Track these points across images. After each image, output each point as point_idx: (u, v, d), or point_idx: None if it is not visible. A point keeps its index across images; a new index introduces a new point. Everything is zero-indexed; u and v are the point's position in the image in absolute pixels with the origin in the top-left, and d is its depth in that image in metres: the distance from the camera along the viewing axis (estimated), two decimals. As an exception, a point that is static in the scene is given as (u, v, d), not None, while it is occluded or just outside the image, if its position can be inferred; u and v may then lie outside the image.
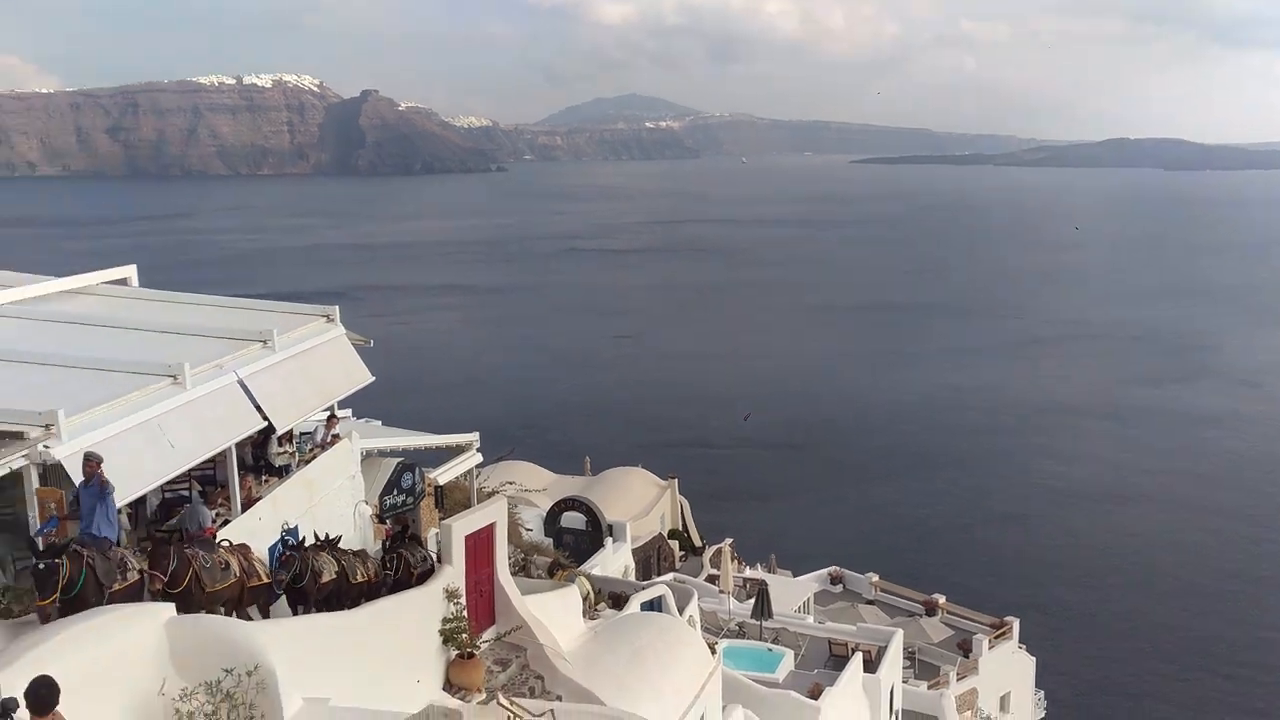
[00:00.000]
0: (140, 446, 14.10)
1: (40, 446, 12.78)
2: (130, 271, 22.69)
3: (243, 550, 14.24)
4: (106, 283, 22.04)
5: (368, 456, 22.10)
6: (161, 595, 12.40)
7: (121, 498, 14.08)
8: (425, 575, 16.77)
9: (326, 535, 16.12)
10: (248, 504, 17.13)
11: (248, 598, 13.89)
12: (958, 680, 37.58)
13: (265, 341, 18.21)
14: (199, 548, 13.37)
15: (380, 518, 21.51)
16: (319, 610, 14.66)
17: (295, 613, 14.48)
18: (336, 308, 21.48)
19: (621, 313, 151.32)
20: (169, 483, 16.08)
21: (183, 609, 11.91)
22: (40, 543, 11.79)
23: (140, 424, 14.33)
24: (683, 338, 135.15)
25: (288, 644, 11.12)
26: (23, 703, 8.03)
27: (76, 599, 11.24)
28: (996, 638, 41.19)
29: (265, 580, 14.33)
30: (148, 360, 16.04)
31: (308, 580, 14.67)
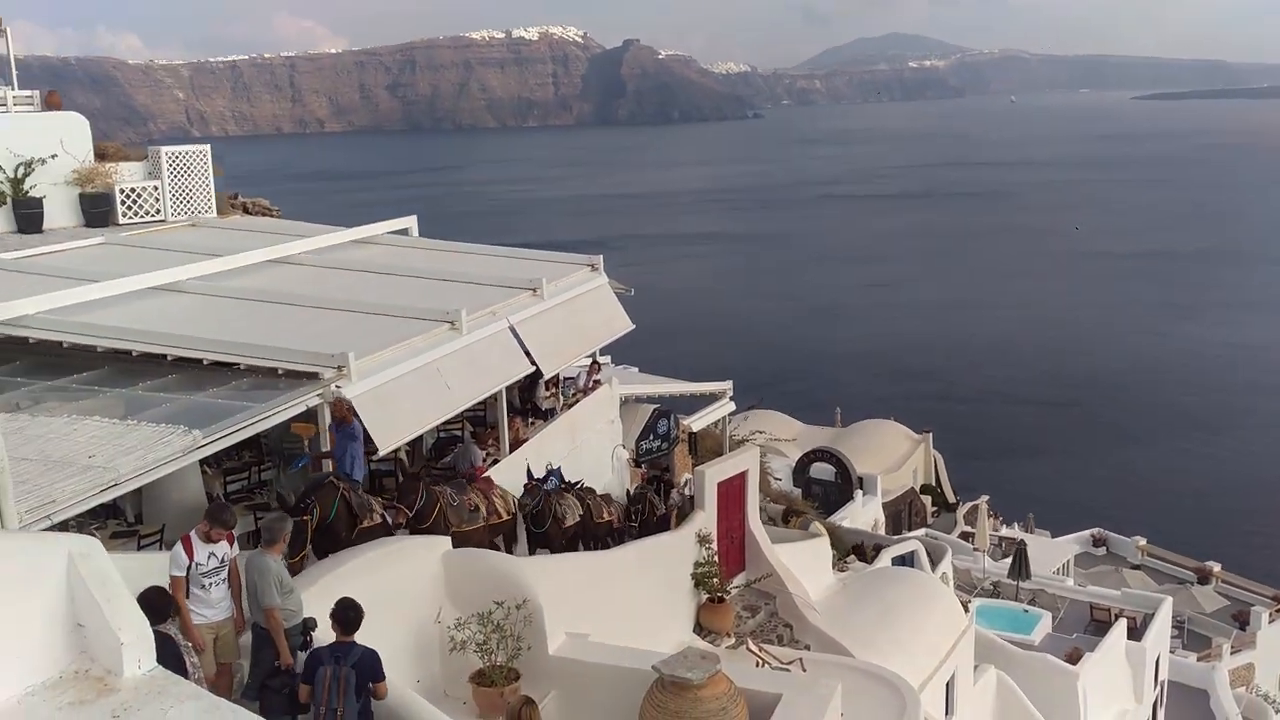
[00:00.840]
0: (421, 388, 15.08)
1: (333, 386, 13.83)
2: (411, 222, 24.14)
3: (485, 485, 14.65)
4: (390, 232, 23.55)
5: (626, 402, 22.77)
6: (411, 530, 12.91)
7: (401, 437, 15.22)
8: (666, 520, 17.26)
9: (572, 481, 16.75)
10: (515, 445, 18.04)
11: (488, 536, 14.22)
12: (1231, 654, 35.23)
13: (535, 290, 19.02)
14: (450, 487, 13.85)
15: (636, 462, 22.18)
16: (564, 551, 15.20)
17: (534, 552, 14.98)
18: (600, 257, 22.15)
19: (878, 260, 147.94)
20: (444, 423, 17.17)
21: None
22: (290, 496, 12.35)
23: (421, 367, 15.29)
24: (941, 286, 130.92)
25: (552, 580, 11.73)
26: (326, 622, 8.86)
27: (329, 530, 11.90)
28: (1278, 611, 38.35)
29: (507, 518, 14.78)
30: (428, 307, 17.09)
31: (550, 524, 14.98)
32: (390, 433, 14.44)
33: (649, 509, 17.34)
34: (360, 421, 13.31)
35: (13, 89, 22.10)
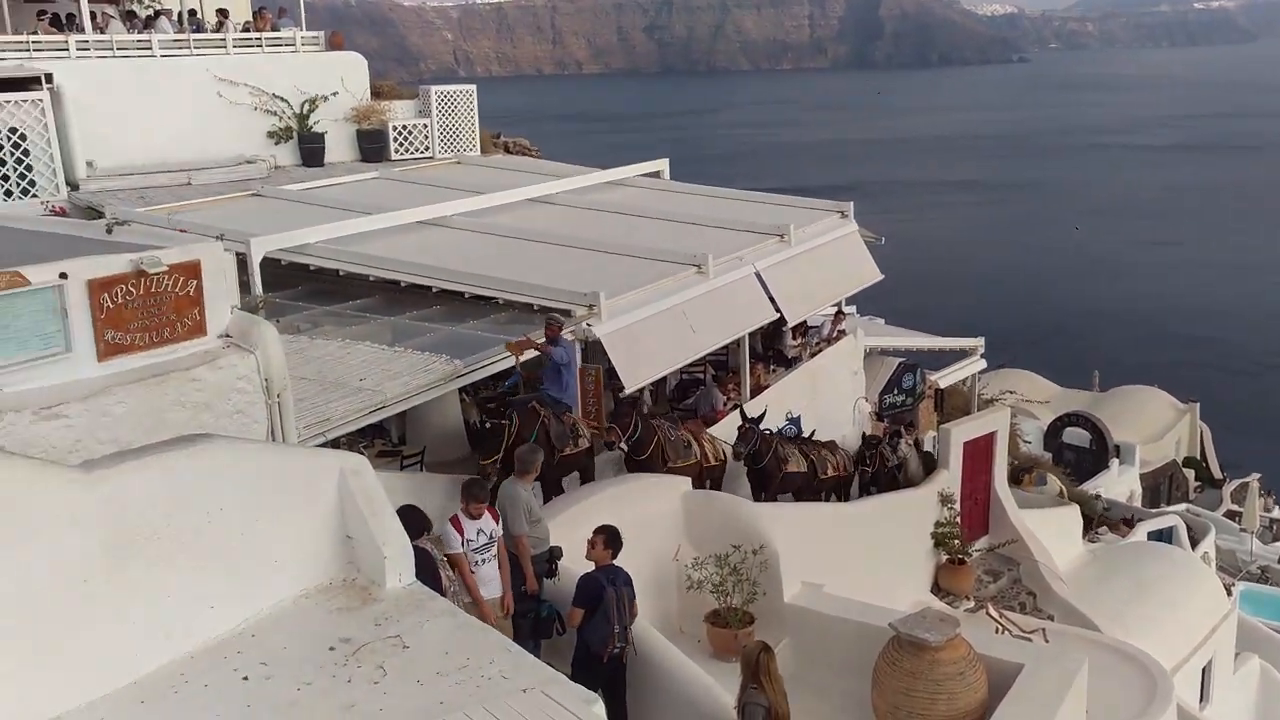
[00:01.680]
0: (667, 330, 15.27)
1: (584, 325, 14.21)
2: (663, 165, 24.36)
3: (695, 428, 14.45)
4: (642, 175, 23.87)
5: (870, 354, 22.35)
6: (627, 462, 12.75)
7: (647, 377, 15.48)
8: (893, 475, 16.86)
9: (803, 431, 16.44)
10: (756, 391, 18.04)
11: (705, 474, 13.91)
12: None
13: (782, 235, 18.87)
14: (664, 420, 13.53)
15: (879, 415, 21.77)
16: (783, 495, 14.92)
17: (757, 498, 14.53)
18: (851, 204, 21.72)
19: (1149, 215, 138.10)
20: (687, 365, 17.36)
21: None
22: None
23: (668, 309, 15.48)
24: (1220, 246, 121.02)
25: (788, 528, 11.72)
26: (562, 554, 9.19)
27: None
28: None
29: (720, 461, 14.40)
30: (676, 249, 17.25)
31: (769, 461, 14.51)
32: (636, 372, 14.71)
33: (878, 460, 16.95)
34: (564, 346, 13.02)
35: (301, 30, 23.55)
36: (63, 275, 8.19)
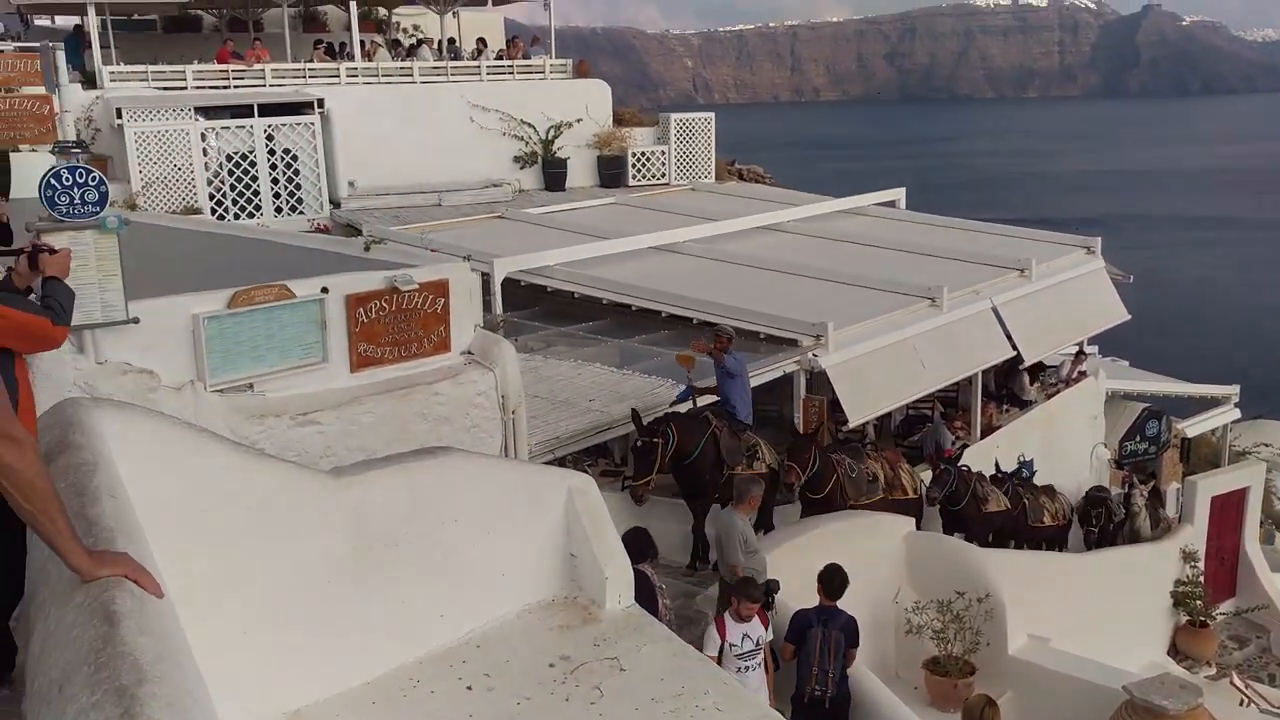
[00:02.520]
0: (895, 364, 14.99)
1: (810, 355, 14.12)
2: (899, 194, 23.98)
3: (891, 458, 13.41)
4: (877, 204, 23.55)
5: (1112, 397, 21.24)
6: (802, 499, 11.80)
7: (873, 411, 15.23)
8: (1118, 529, 15.87)
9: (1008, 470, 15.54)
10: (987, 431, 17.46)
11: (894, 510, 12.43)
12: None
13: (1022, 270, 18.22)
14: (846, 454, 12.46)
15: (1118, 463, 20.66)
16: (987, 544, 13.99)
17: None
18: (1098, 239, 20.78)
19: None
20: (914, 401, 16.95)
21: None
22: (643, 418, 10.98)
23: (897, 342, 15.21)
24: None
25: (1016, 577, 11.24)
26: (779, 587, 9.11)
27: (690, 468, 10.96)
28: None
29: (912, 495, 13.06)
30: (909, 281, 16.92)
31: (967, 503, 13.39)
32: (861, 406, 14.52)
33: (1105, 517, 15.96)
34: (735, 357, 12.06)
35: (550, 58, 24.45)
36: (324, 290, 8.78)
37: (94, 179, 7.12)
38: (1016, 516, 14.56)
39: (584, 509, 7.56)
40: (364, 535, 6.48)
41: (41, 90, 16.30)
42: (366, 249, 10.61)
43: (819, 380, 14.49)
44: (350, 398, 8.98)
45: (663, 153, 24.56)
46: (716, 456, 11.11)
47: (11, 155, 14.95)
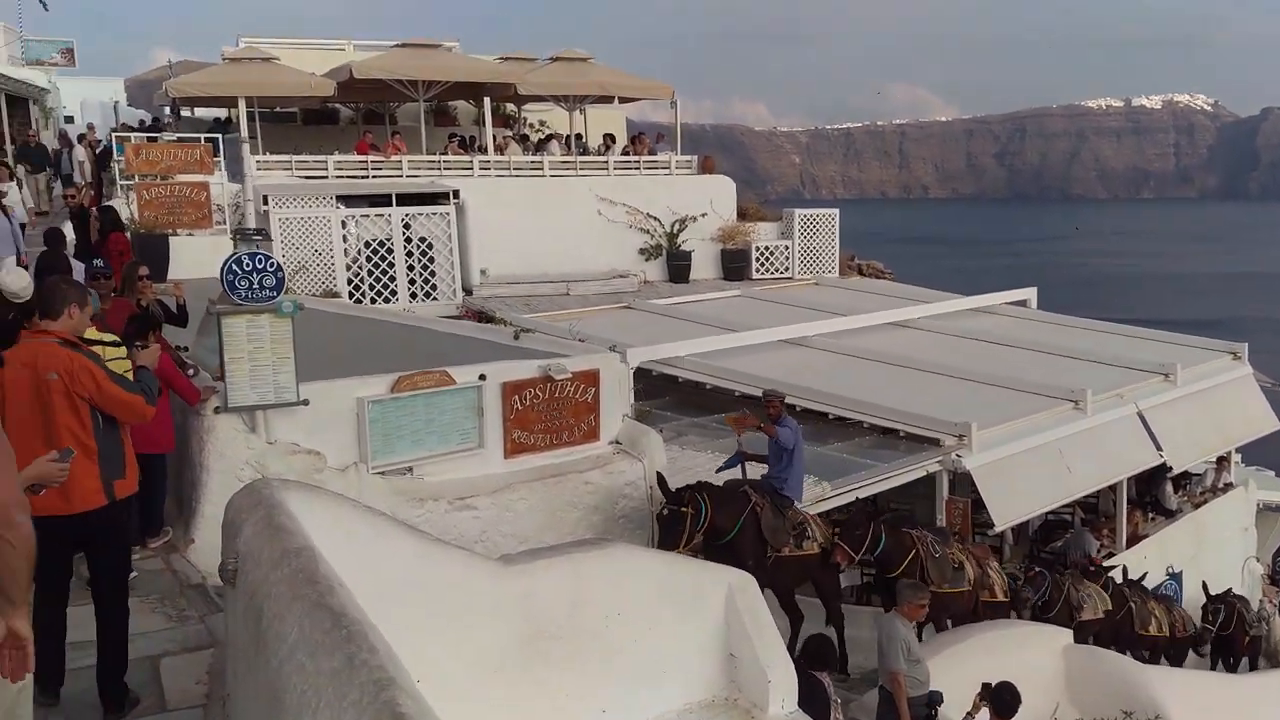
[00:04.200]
0: (1041, 467, 14.47)
1: (954, 455, 13.71)
2: (1030, 293, 23.48)
3: (979, 554, 12.29)
4: (1008, 303, 23.09)
5: (1263, 509, 20.23)
6: (876, 580, 10.80)
7: (1017, 515, 14.68)
8: (1256, 643, 14.86)
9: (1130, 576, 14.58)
10: (1133, 540, 16.72)
11: (982, 612, 11.54)
12: None
13: (1167, 375, 17.57)
14: (930, 534, 11.30)
15: (1272, 578, 19.59)
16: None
17: None
18: (1245, 344, 20.00)
19: None
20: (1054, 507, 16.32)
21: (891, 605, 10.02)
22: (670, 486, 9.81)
23: (1041, 445, 14.69)
24: None
25: (1188, 697, 10.60)
26: (942, 700, 8.68)
27: (731, 546, 9.81)
28: None
29: (1001, 599, 11.91)
30: (1049, 382, 16.42)
31: (1059, 609, 12.22)
32: (1006, 509, 14.00)
33: (1237, 623, 14.83)
34: (790, 427, 10.95)
35: (676, 154, 24.74)
36: (482, 376, 8.82)
37: (271, 265, 7.28)
38: (1120, 621, 13.39)
39: (745, 607, 7.32)
40: (531, 625, 6.34)
41: (201, 178, 16.97)
42: (516, 337, 10.67)
43: (962, 481, 14.05)
44: (504, 484, 8.94)
45: (786, 247, 24.52)
46: (758, 536, 10.10)
47: (171, 239, 15.54)
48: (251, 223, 19.02)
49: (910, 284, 26.36)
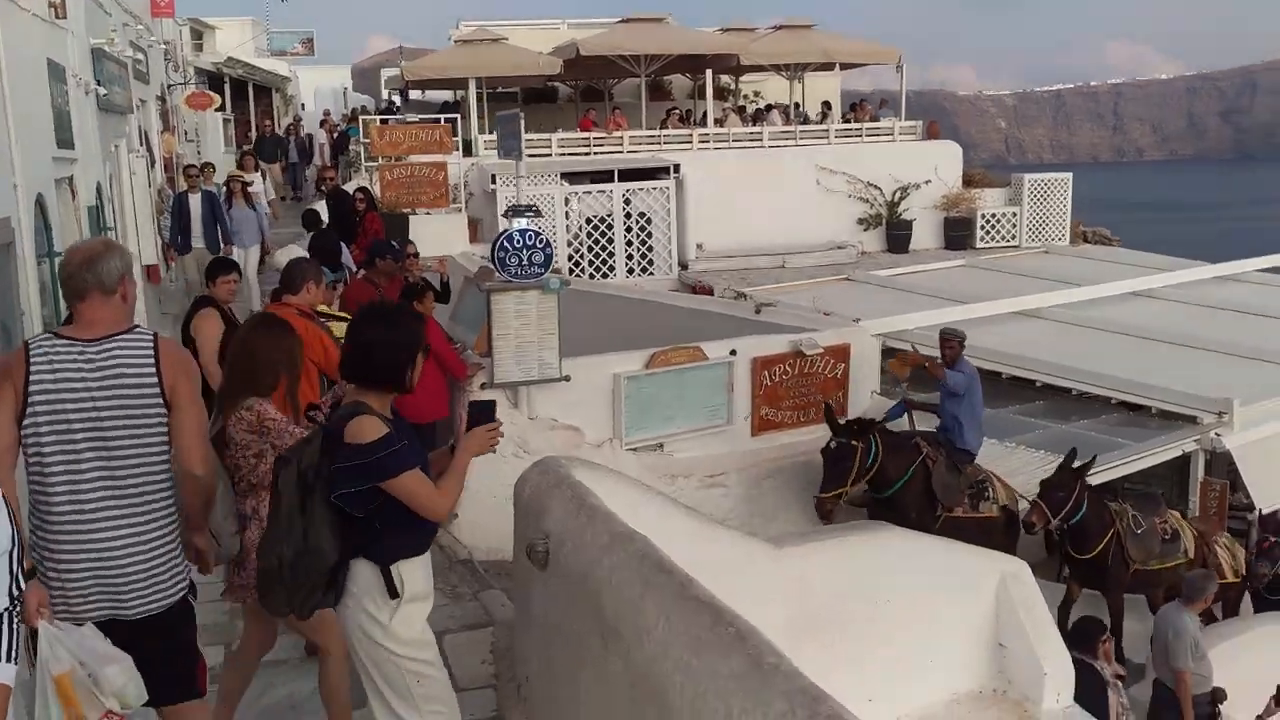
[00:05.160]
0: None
1: (1212, 434, 12.84)
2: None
3: (1213, 527, 11.14)
4: (1260, 270, 21.52)
5: None
6: (1065, 558, 9.55)
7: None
8: None
9: None
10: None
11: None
12: None
13: None
14: (1131, 506, 9.88)
15: None
16: None
17: None
18: None
19: None
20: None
21: (1099, 585, 9.32)
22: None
23: (1311, 423, 13.59)
24: None
25: None
26: (1225, 697, 8.13)
27: (891, 502, 9.00)
28: None
29: (1234, 579, 10.57)
30: (1320, 356, 15.20)
31: None
32: (1270, 490, 13.02)
33: None
34: (965, 371, 9.85)
35: (900, 120, 24.05)
36: (733, 352, 8.72)
37: (541, 241, 7.34)
38: None
39: (1018, 597, 7.01)
40: (802, 608, 6.22)
41: (439, 158, 17.49)
42: (757, 311, 10.54)
43: (1219, 461, 13.13)
44: (750, 461, 8.85)
45: (1014, 214, 23.52)
46: (926, 491, 9.14)
47: (410, 218, 16.09)
48: (477, 201, 19.52)
49: (1137, 250, 24.93)
